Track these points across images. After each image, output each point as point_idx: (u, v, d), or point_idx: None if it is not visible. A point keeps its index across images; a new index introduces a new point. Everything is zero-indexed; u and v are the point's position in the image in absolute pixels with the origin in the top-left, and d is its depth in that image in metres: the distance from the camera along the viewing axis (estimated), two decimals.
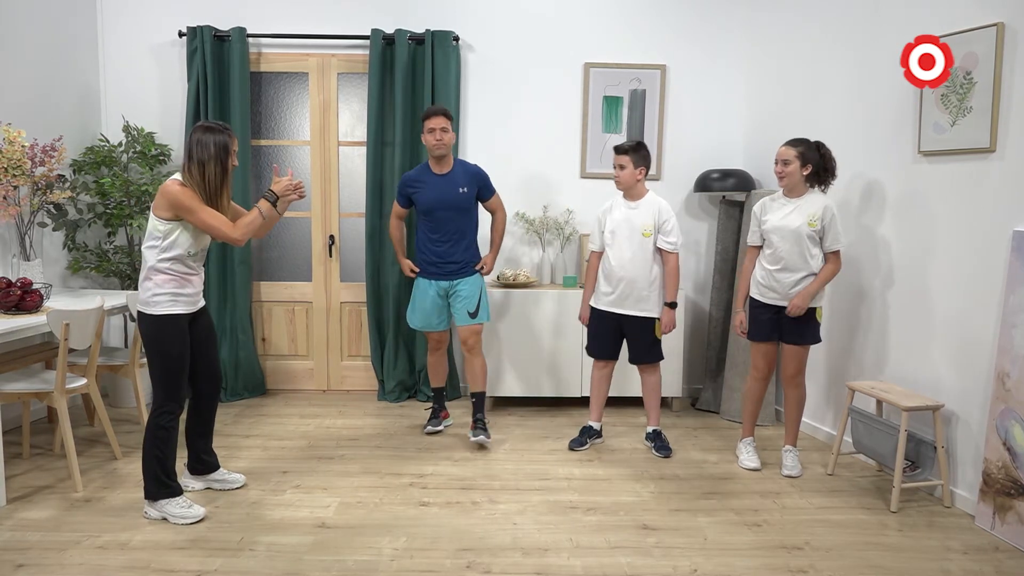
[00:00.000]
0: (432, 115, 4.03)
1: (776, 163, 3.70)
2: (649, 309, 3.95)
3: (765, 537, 3.10)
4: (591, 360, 4.25)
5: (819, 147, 3.67)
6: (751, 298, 3.85)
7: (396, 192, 4.30)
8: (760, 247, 3.83)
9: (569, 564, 2.86)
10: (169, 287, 3.09)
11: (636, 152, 3.89)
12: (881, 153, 3.88)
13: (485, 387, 4.27)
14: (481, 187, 4.18)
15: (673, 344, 4.85)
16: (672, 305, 3.96)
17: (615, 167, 3.94)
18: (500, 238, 4.34)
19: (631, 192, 3.96)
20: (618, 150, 3.91)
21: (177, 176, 3.07)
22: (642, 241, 3.91)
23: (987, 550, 3.02)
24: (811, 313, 3.68)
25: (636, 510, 3.36)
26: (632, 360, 4.06)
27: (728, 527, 3.19)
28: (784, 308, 3.71)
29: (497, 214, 4.31)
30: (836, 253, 3.66)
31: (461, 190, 4.08)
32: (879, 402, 3.72)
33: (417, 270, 4.24)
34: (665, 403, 5.02)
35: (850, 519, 3.29)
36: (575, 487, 3.61)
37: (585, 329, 4.22)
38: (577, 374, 4.86)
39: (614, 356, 4.10)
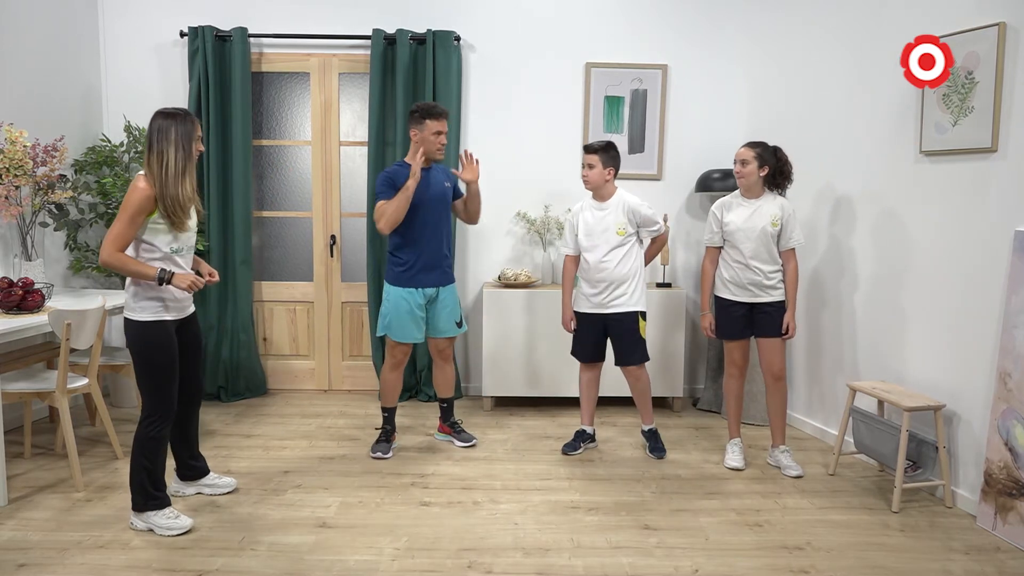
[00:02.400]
0: (440, 116, 3.81)
1: (735, 163, 3.77)
2: (631, 304, 3.93)
3: (766, 537, 3.10)
4: (615, 364, 4.12)
5: (776, 151, 3.78)
6: (720, 298, 3.90)
7: (380, 190, 3.80)
8: (720, 248, 3.89)
9: (570, 564, 2.85)
10: (156, 291, 2.99)
11: (605, 152, 3.88)
12: (882, 153, 3.88)
13: (454, 393, 4.27)
14: (455, 183, 4.03)
15: (674, 344, 4.86)
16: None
17: (584, 166, 3.92)
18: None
19: (600, 193, 3.95)
20: (588, 149, 3.90)
21: (143, 171, 2.95)
22: (616, 239, 3.91)
23: (989, 550, 3.02)
24: (782, 306, 3.80)
25: (637, 510, 3.35)
26: (618, 362, 4.01)
27: (729, 527, 3.19)
28: (756, 305, 3.80)
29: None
30: (792, 251, 3.78)
31: (446, 184, 3.95)
32: (880, 402, 3.71)
33: None
34: (666, 403, 5.02)
35: (851, 519, 3.29)
36: (576, 487, 3.61)
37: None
38: (579, 374, 4.85)
39: (601, 358, 4.08)
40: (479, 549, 2.96)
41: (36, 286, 3.83)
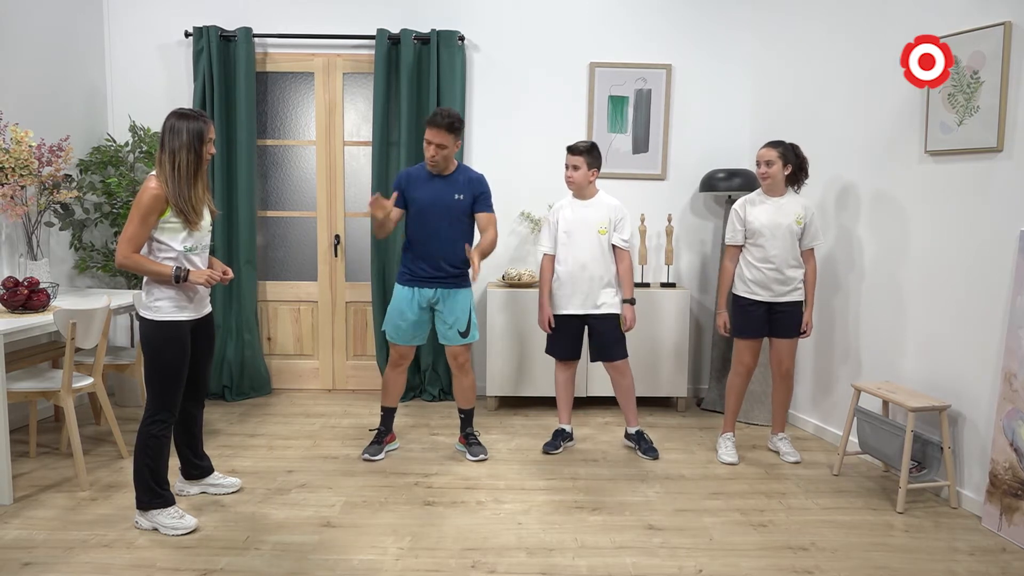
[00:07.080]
0: (432, 123, 3.65)
1: (758, 165, 3.83)
2: (613, 305, 3.96)
3: (771, 537, 3.10)
4: (593, 361, 4.12)
5: (794, 148, 3.84)
6: (739, 296, 3.93)
7: (392, 190, 3.95)
8: (741, 247, 3.93)
9: (574, 564, 2.85)
10: (173, 291, 3.00)
11: (590, 154, 3.90)
12: (888, 153, 3.87)
13: (474, 404, 4.07)
14: (477, 197, 3.82)
15: (679, 344, 4.85)
16: (631, 302, 3.98)
17: (568, 167, 3.93)
18: (489, 247, 3.79)
19: (582, 192, 3.98)
20: (572, 151, 3.90)
21: (154, 172, 2.96)
22: (598, 238, 3.93)
23: (994, 551, 3.01)
24: (800, 307, 3.90)
25: (641, 510, 3.35)
26: (598, 358, 4.01)
27: (734, 527, 3.19)
28: (774, 304, 3.87)
29: (488, 232, 3.82)
30: (812, 251, 3.90)
31: (457, 196, 3.77)
32: (885, 402, 3.71)
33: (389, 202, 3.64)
34: (670, 403, 5.02)
35: (856, 520, 3.28)
36: (580, 487, 3.61)
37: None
38: (582, 374, 4.86)
39: (578, 356, 4.09)
40: (483, 549, 2.97)
41: (41, 285, 3.84)
